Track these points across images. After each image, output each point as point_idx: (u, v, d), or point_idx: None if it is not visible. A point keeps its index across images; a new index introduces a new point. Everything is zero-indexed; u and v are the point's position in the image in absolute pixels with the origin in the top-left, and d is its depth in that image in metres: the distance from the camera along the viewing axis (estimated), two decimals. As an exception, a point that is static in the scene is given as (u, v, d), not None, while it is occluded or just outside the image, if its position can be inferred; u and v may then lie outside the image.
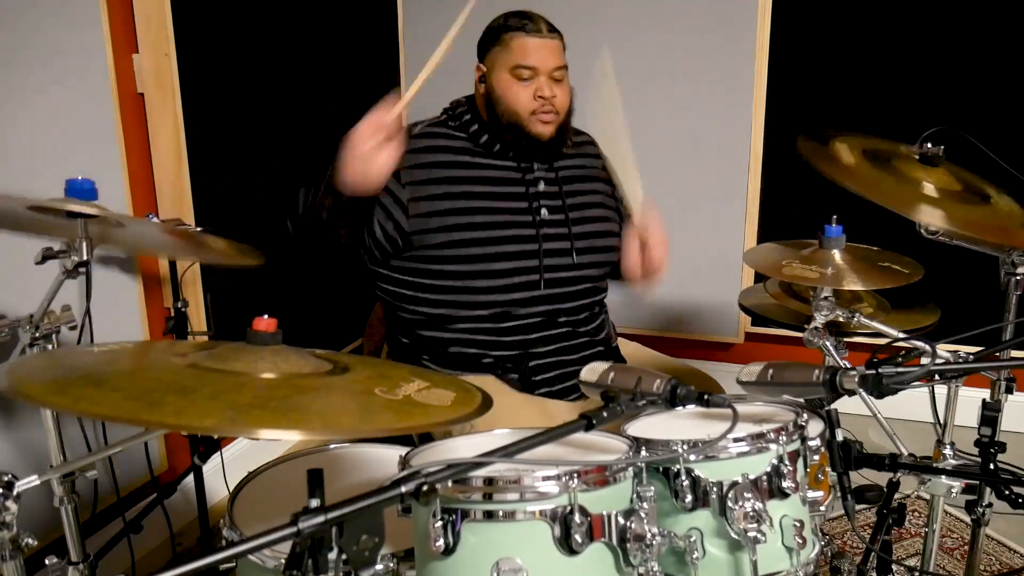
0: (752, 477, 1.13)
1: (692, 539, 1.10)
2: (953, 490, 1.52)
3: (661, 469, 1.15)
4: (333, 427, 0.90)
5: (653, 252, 1.81)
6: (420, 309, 1.83)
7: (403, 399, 0.98)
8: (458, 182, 1.78)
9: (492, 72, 1.79)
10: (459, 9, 1.42)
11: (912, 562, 2.19)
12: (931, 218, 1.55)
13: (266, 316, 1.03)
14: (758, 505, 1.10)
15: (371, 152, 1.48)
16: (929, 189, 1.62)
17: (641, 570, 1.03)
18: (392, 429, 0.92)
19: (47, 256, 1.29)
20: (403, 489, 0.86)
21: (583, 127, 1.94)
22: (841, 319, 1.61)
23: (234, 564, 1.17)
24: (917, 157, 1.70)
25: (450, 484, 0.97)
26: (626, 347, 2.02)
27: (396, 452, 1.41)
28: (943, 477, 1.50)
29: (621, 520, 1.03)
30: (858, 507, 1.65)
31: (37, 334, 1.31)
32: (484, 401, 1.05)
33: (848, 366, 1.14)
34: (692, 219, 3.09)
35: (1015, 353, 1.87)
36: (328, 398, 0.95)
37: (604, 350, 1.90)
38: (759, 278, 2.63)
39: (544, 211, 1.82)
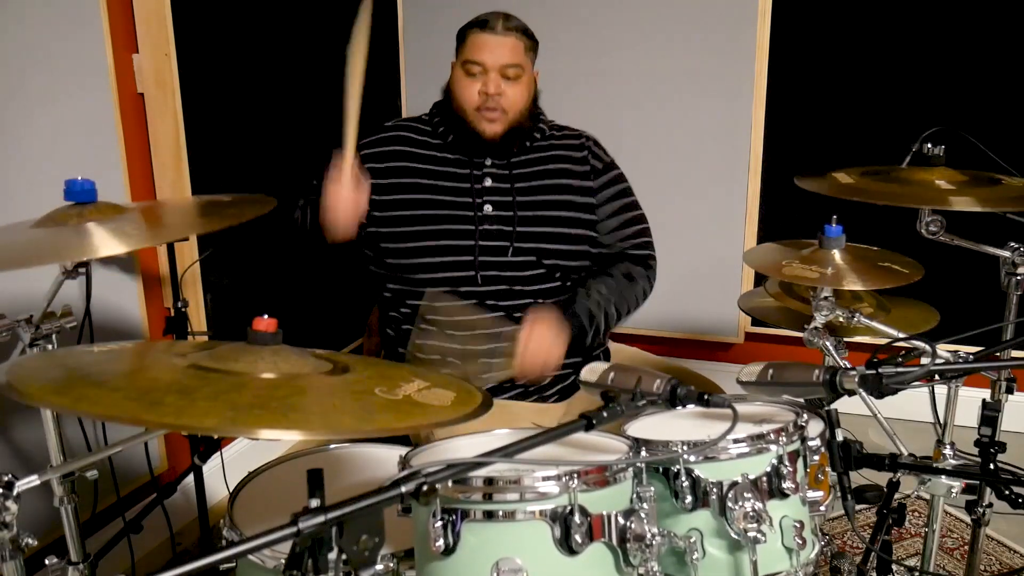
0: (752, 477, 1.13)
1: (692, 539, 1.10)
2: (953, 490, 1.52)
3: (661, 469, 1.15)
4: (333, 427, 0.89)
5: (524, 362, 1.62)
6: (383, 298, 1.85)
7: (403, 399, 0.98)
8: (407, 173, 1.79)
9: (453, 68, 1.80)
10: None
11: (912, 562, 2.19)
12: (962, 204, 1.55)
13: (266, 316, 1.03)
14: (758, 505, 1.10)
15: (340, 204, 1.60)
16: (941, 184, 1.63)
17: (641, 570, 1.03)
18: (392, 429, 0.92)
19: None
20: (403, 489, 0.86)
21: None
22: (841, 319, 1.61)
23: (234, 564, 1.17)
24: (906, 166, 1.71)
25: (450, 484, 0.97)
26: (621, 352, 1.99)
27: (396, 452, 1.41)
28: (943, 477, 1.50)
29: (621, 520, 1.03)
30: (858, 507, 1.65)
31: (37, 334, 1.31)
32: (484, 401, 1.05)
33: (848, 366, 1.14)
34: (692, 219, 3.09)
35: (1015, 353, 1.87)
36: (328, 398, 0.95)
37: (581, 359, 1.78)
38: (759, 278, 2.62)
39: (488, 207, 1.76)
